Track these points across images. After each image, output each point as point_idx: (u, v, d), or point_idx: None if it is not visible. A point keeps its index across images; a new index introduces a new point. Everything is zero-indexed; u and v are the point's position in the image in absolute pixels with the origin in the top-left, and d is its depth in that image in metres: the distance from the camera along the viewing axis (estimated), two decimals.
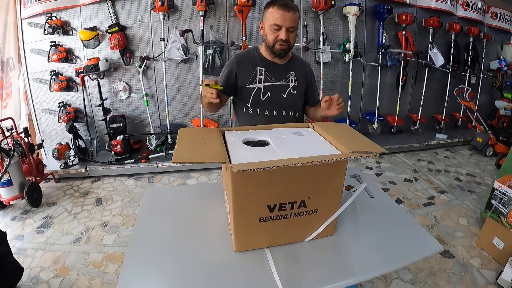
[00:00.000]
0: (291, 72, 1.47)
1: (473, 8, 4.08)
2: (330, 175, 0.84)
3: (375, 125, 3.87)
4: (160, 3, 2.92)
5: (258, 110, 1.44)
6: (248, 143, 0.95)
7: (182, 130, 0.98)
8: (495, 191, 1.91)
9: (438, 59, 3.83)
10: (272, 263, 0.83)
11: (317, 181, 0.83)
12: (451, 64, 3.99)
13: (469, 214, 2.45)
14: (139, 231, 1.02)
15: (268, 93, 1.43)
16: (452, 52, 3.98)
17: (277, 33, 1.34)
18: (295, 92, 1.47)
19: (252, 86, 1.42)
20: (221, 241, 0.94)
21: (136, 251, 0.92)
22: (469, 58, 4.12)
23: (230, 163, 0.77)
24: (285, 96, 1.45)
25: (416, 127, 4.10)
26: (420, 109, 4.01)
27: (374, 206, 1.15)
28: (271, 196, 0.80)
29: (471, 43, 4.09)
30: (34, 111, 3.36)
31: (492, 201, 1.92)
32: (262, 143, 0.95)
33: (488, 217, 1.98)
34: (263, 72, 1.43)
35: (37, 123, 3.40)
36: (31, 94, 3.31)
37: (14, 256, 1.96)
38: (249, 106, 1.45)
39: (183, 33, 3.02)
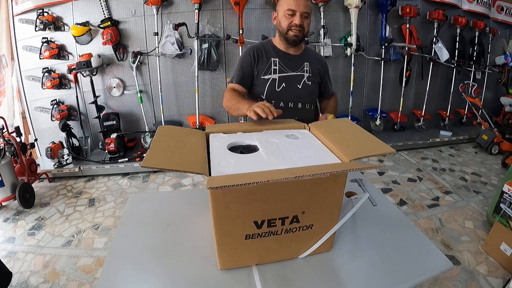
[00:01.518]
0: (305, 63, 1.44)
1: (478, 2, 3.93)
2: (327, 188, 0.73)
3: (378, 122, 3.76)
4: None
5: (273, 102, 1.40)
6: (234, 148, 0.85)
7: (161, 129, 0.89)
8: (504, 194, 1.80)
9: (443, 54, 3.70)
10: (258, 283, 0.74)
11: (312, 195, 0.73)
12: (456, 59, 3.86)
13: (475, 216, 2.35)
14: (117, 244, 0.93)
15: (284, 84, 1.40)
16: (457, 47, 3.84)
17: (291, 18, 1.32)
18: (310, 82, 1.44)
19: (267, 76, 1.39)
20: (206, 257, 0.84)
21: (112, 266, 0.84)
22: (475, 53, 3.98)
23: (210, 174, 0.67)
24: (300, 87, 1.42)
25: (420, 123, 3.97)
26: (424, 105, 3.89)
27: (377, 216, 1.05)
28: (257, 212, 0.70)
29: (476, 38, 3.95)
30: (28, 109, 3.29)
31: (501, 205, 1.82)
32: (250, 149, 0.85)
33: (496, 221, 1.89)
34: (277, 63, 1.40)
35: (31, 121, 3.33)
36: (24, 92, 3.24)
37: (5, 259, 1.91)
38: (264, 98, 1.41)
39: (177, 27, 2.91)
